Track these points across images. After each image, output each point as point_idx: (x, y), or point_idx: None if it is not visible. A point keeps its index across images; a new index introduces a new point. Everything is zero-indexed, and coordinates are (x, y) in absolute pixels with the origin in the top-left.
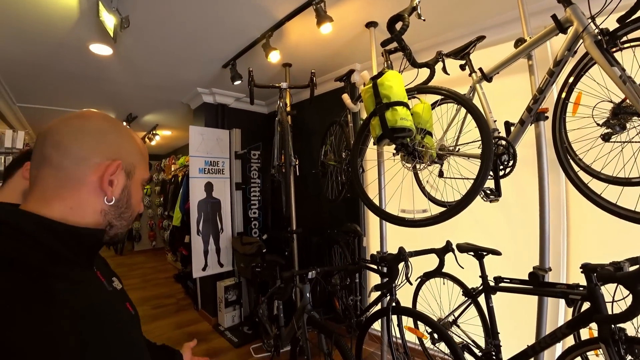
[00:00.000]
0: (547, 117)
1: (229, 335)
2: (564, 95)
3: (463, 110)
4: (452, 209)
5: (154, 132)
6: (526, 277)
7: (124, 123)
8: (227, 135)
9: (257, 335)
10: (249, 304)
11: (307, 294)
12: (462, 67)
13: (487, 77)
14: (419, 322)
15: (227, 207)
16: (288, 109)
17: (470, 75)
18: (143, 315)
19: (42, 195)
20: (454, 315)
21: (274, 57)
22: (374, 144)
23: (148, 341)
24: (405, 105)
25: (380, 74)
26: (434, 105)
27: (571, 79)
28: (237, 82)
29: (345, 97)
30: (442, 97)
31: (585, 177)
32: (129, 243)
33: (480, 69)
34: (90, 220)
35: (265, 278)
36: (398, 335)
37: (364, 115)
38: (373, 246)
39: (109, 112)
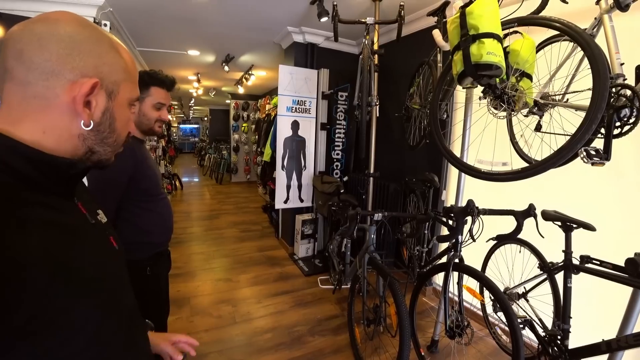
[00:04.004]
0: None
1: (301, 264)
2: None
3: (581, 51)
4: (537, 166)
5: (250, 72)
6: (621, 262)
7: (223, 64)
8: (315, 75)
9: (325, 269)
10: (323, 239)
11: (372, 236)
12: None
13: (620, 5)
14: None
15: (311, 146)
16: (375, 47)
17: (597, 2)
18: (232, 236)
19: (9, 115)
20: (524, 288)
21: None
22: (457, 84)
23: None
24: (497, 37)
25: (472, 1)
26: (541, 46)
27: None
28: (324, 19)
29: (436, 33)
30: (554, 31)
31: None
32: (228, 175)
33: None
34: (68, 146)
35: (339, 217)
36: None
37: None
38: (452, 200)
39: (209, 53)
